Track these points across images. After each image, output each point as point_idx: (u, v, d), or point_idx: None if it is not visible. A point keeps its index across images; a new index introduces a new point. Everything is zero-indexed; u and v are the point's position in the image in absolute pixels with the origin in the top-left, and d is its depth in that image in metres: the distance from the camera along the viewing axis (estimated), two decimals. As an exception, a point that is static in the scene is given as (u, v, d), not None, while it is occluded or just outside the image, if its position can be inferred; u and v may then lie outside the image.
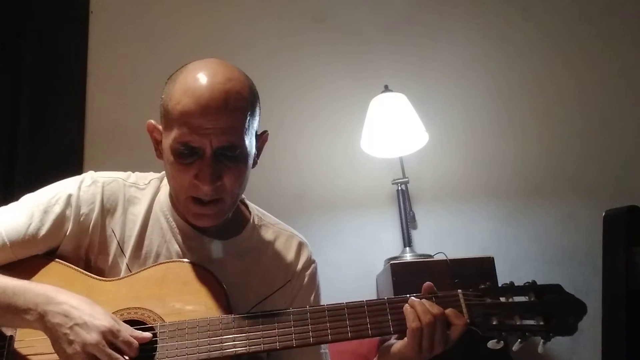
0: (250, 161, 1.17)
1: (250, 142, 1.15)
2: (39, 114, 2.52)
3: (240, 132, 1.11)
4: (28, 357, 1.08)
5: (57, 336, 1.01)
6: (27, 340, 1.08)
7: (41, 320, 1.03)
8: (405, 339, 1.09)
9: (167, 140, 1.12)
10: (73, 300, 1.04)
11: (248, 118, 1.12)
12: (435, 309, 1.08)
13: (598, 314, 1.71)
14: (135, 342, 1.03)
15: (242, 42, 2.60)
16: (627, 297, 1.63)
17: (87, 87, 2.60)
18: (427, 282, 1.16)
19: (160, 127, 1.17)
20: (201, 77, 1.10)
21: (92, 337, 0.99)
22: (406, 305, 1.10)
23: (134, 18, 2.69)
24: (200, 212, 1.14)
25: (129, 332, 1.04)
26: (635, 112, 2.56)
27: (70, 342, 0.99)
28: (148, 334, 1.06)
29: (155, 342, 1.07)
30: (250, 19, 2.67)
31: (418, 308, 1.08)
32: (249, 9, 2.69)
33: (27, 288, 1.06)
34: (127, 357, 1.01)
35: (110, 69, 2.62)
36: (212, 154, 1.09)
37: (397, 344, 1.12)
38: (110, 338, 1.01)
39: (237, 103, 1.10)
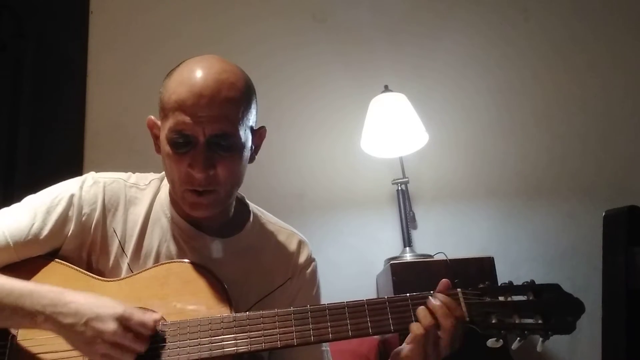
0: (246, 154, 1.18)
1: (245, 135, 1.15)
2: (39, 114, 2.52)
3: (234, 122, 1.11)
4: (31, 354, 1.08)
5: (74, 336, 1.02)
6: (30, 338, 1.08)
7: (52, 323, 1.03)
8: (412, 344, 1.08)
9: (164, 131, 1.13)
10: (79, 297, 1.05)
11: (242, 109, 1.13)
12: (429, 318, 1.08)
13: (598, 313, 1.72)
14: (150, 321, 1.05)
15: (242, 41, 2.60)
16: (627, 297, 1.64)
17: (87, 87, 2.60)
18: (445, 279, 1.16)
19: (159, 122, 1.18)
20: (196, 69, 1.12)
21: (109, 326, 1.00)
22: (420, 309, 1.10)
23: (134, 18, 2.70)
24: (195, 201, 1.14)
25: (140, 314, 1.06)
26: (636, 112, 2.56)
27: (89, 338, 1.00)
28: (157, 314, 1.08)
29: (157, 341, 1.07)
30: (250, 19, 2.67)
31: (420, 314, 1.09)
32: (249, 9, 2.70)
33: (33, 290, 1.06)
34: (146, 337, 1.04)
35: (110, 69, 2.62)
36: (205, 142, 1.10)
37: (404, 349, 1.11)
38: (125, 323, 1.02)
39: (230, 93, 1.11)
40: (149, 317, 1.06)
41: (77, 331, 1.01)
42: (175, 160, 1.12)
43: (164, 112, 1.13)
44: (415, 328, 1.07)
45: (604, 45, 2.64)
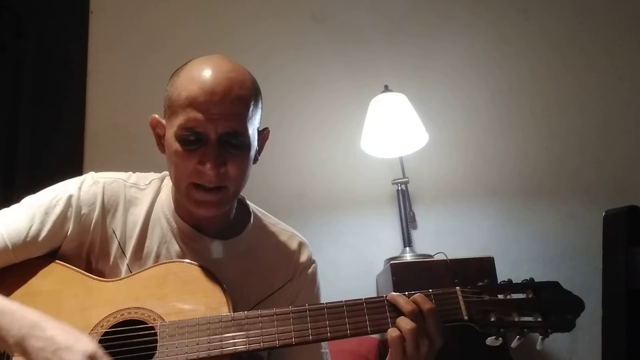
0: (253, 153, 1.18)
1: (252, 134, 1.16)
2: (39, 114, 2.52)
3: (244, 120, 1.12)
4: None
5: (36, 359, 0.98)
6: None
7: (20, 344, 0.99)
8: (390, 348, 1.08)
9: (172, 129, 1.13)
10: (59, 327, 1.01)
11: (251, 108, 1.14)
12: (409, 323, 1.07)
13: (598, 313, 1.72)
14: None
15: (242, 42, 2.60)
16: (627, 297, 1.64)
17: (87, 87, 2.61)
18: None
19: (163, 121, 1.18)
20: (206, 68, 1.12)
21: (76, 358, 0.96)
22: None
23: (134, 18, 2.70)
24: (202, 198, 1.14)
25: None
26: (635, 112, 2.56)
27: None
28: None
29: (156, 341, 1.07)
30: (250, 19, 2.67)
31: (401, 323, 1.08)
32: (249, 9, 2.70)
33: (15, 310, 1.03)
34: None
35: (110, 69, 2.62)
36: (216, 139, 1.10)
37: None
38: None
39: (241, 91, 1.12)
40: None
41: (42, 356, 0.97)
42: (184, 158, 1.11)
43: (173, 109, 1.13)
44: (391, 331, 1.07)
45: (604, 45, 2.64)
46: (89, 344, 1.00)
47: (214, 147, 1.10)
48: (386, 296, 1.11)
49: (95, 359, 0.98)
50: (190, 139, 1.10)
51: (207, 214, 1.17)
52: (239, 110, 1.11)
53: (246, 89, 1.13)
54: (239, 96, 1.11)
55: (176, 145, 1.12)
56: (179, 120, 1.10)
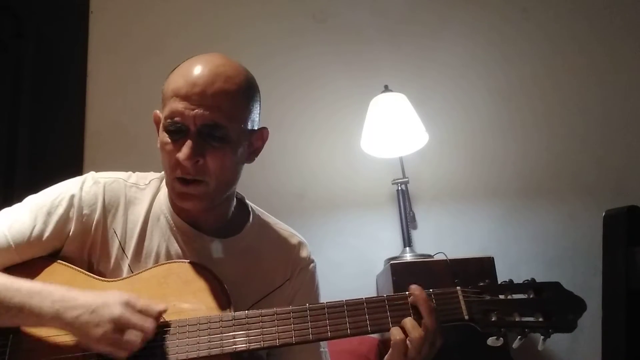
0: (240, 150, 1.17)
1: (240, 130, 1.15)
2: (39, 114, 2.52)
3: (227, 114, 1.12)
4: (31, 353, 1.07)
5: (79, 327, 1.02)
6: (30, 336, 1.08)
7: (58, 318, 1.03)
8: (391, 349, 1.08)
9: (161, 121, 1.16)
10: (87, 292, 1.06)
11: (237, 103, 1.14)
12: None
13: (598, 313, 1.72)
14: (155, 305, 1.06)
15: (242, 42, 2.61)
16: (627, 297, 1.63)
17: (87, 87, 2.61)
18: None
19: (161, 115, 1.19)
20: (197, 63, 1.14)
21: (116, 310, 1.02)
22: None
23: (134, 18, 2.70)
24: (183, 190, 1.14)
25: (145, 299, 1.07)
26: (635, 112, 2.56)
27: (96, 325, 1.01)
28: (163, 304, 1.08)
29: (156, 340, 1.07)
30: (250, 19, 2.68)
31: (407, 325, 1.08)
32: (249, 9, 2.70)
33: (42, 289, 1.06)
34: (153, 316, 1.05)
35: (110, 69, 2.63)
36: (196, 131, 1.11)
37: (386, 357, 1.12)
38: (132, 307, 1.03)
39: (225, 85, 1.12)
40: (154, 302, 1.07)
41: (83, 321, 1.01)
42: (168, 149, 1.13)
43: (163, 102, 1.15)
44: (395, 332, 1.07)
45: (604, 45, 2.64)
46: (120, 296, 1.05)
47: (192, 138, 1.11)
48: (406, 292, 1.11)
49: (133, 302, 1.04)
50: (171, 130, 1.12)
51: (189, 207, 1.18)
52: (221, 103, 1.11)
53: (232, 84, 1.13)
54: (222, 89, 1.11)
55: (162, 136, 1.14)
56: (165, 111, 1.13)
